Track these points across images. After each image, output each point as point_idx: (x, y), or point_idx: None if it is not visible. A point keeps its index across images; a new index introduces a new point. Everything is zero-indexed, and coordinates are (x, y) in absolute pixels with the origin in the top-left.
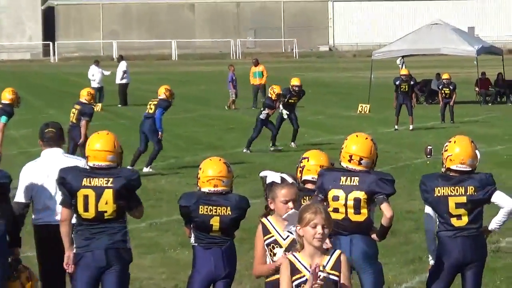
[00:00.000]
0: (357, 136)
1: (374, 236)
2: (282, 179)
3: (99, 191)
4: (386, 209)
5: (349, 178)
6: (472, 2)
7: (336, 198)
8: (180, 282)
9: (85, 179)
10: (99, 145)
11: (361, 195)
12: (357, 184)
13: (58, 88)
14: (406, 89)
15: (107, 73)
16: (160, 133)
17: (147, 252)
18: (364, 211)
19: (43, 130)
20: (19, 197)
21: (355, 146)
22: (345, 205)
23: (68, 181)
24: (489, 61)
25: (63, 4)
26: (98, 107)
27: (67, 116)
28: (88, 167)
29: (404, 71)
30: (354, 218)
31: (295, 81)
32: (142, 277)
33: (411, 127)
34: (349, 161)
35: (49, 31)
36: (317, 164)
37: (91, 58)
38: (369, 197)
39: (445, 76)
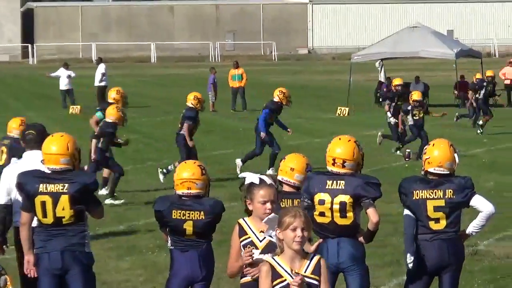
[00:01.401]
0: (339, 139)
1: (361, 239)
2: (261, 180)
3: (55, 197)
4: (372, 214)
5: (335, 182)
6: (451, 5)
7: (322, 202)
8: (157, 285)
9: (41, 184)
10: (51, 148)
11: (346, 198)
12: (343, 187)
13: (36, 90)
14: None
15: (73, 74)
16: (262, 134)
17: (125, 254)
18: (350, 214)
19: (24, 131)
20: None
21: (338, 149)
22: (331, 209)
23: (26, 187)
24: (468, 64)
25: (42, 6)
26: (76, 109)
27: (46, 118)
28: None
29: (490, 73)
30: (341, 221)
31: (397, 81)
32: (119, 279)
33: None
34: (333, 164)
35: (28, 33)
36: (288, 166)
37: (70, 60)
38: (355, 201)
39: (489, 73)
